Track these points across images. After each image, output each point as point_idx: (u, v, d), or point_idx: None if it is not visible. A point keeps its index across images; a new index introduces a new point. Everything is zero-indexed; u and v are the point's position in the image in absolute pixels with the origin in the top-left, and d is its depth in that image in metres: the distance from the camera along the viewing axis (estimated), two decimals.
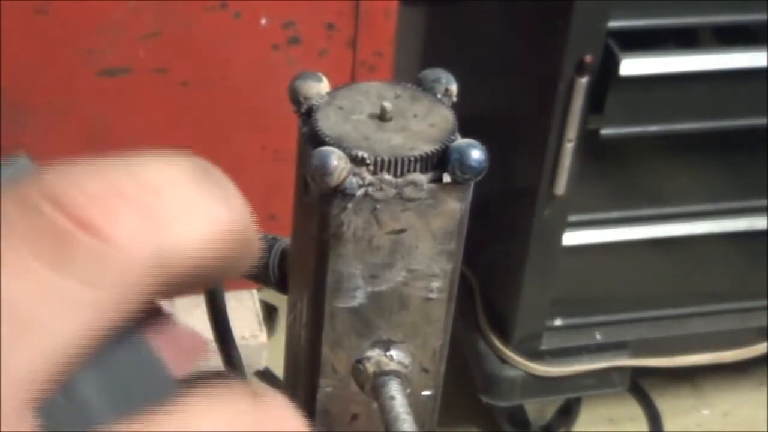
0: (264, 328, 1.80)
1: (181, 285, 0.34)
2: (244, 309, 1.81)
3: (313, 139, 0.68)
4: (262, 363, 1.82)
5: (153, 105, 1.64)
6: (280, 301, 1.94)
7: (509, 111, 1.86)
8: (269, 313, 1.97)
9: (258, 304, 1.83)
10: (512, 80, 1.81)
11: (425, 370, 0.76)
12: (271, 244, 0.82)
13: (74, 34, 1.56)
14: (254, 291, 1.83)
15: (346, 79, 1.67)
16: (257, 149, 1.69)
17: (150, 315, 0.35)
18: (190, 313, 1.78)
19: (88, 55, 1.57)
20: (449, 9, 1.91)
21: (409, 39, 1.87)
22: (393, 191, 0.68)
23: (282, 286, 0.82)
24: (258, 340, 1.79)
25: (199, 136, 1.67)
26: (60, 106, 1.61)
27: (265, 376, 1.92)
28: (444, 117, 0.71)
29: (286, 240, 0.82)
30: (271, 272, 0.82)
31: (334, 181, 0.66)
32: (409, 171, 0.68)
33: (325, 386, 0.75)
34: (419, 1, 1.88)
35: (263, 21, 1.60)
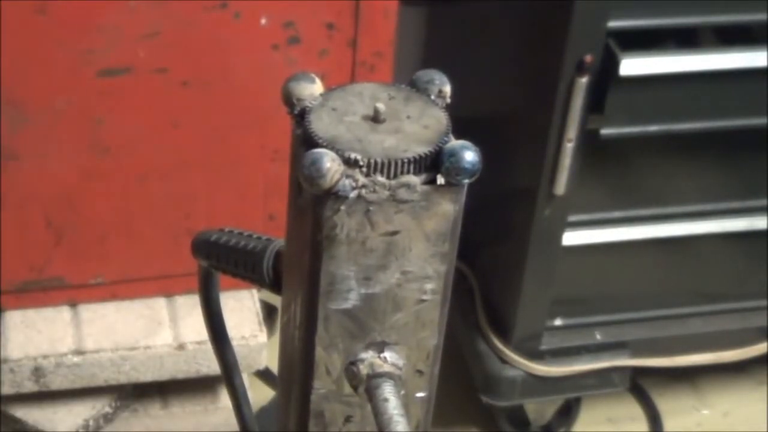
0: (264, 328, 1.80)
1: None
2: (244, 309, 1.81)
3: (306, 140, 0.69)
4: (262, 363, 1.82)
5: (153, 105, 1.64)
6: (279, 301, 1.94)
7: (509, 111, 1.86)
8: (269, 313, 1.97)
9: (258, 304, 1.83)
10: (512, 80, 1.81)
11: (419, 372, 0.76)
12: (265, 245, 0.83)
13: (74, 34, 1.56)
14: (254, 291, 1.83)
15: (346, 79, 1.67)
16: (257, 149, 1.69)
17: None
18: (189, 313, 1.79)
19: (88, 55, 1.57)
20: (449, 9, 1.91)
21: (409, 39, 1.87)
22: (386, 193, 0.68)
23: (276, 287, 0.82)
24: (258, 340, 1.79)
25: (199, 136, 1.67)
26: (60, 106, 1.61)
27: (265, 375, 1.92)
28: (437, 118, 0.71)
29: (280, 241, 0.82)
30: (266, 273, 0.82)
31: (327, 183, 0.66)
32: (402, 173, 0.68)
33: (319, 388, 0.75)
34: (419, 1, 1.88)
35: (263, 21, 1.60)
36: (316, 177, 0.66)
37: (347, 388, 0.74)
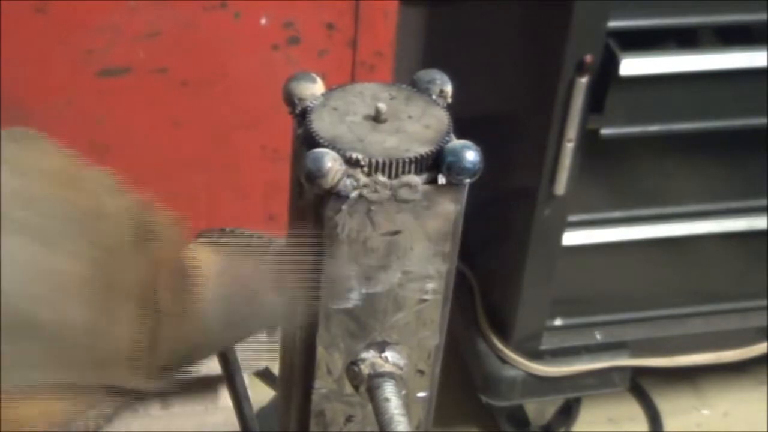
0: None
1: None
2: None
3: (307, 140, 0.69)
4: (262, 363, 1.81)
5: (153, 105, 1.64)
6: None
7: (509, 111, 1.86)
8: None
9: None
10: (512, 80, 1.81)
11: (420, 372, 0.76)
12: (266, 245, 0.83)
13: (74, 34, 1.56)
14: None
15: (346, 79, 1.67)
16: (257, 149, 1.69)
17: None
18: None
19: (88, 55, 1.57)
20: (449, 9, 1.91)
21: (409, 39, 1.87)
22: (387, 193, 0.68)
23: None
24: (258, 340, 1.78)
25: (199, 136, 1.67)
26: (60, 106, 1.61)
27: (265, 376, 1.91)
28: (439, 118, 0.71)
29: (281, 241, 0.82)
30: None
31: (328, 183, 0.66)
32: (403, 172, 0.68)
33: (320, 387, 0.75)
34: (419, 1, 1.88)
35: (263, 21, 1.60)
36: (318, 177, 0.66)
37: (348, 388, 0.74)
